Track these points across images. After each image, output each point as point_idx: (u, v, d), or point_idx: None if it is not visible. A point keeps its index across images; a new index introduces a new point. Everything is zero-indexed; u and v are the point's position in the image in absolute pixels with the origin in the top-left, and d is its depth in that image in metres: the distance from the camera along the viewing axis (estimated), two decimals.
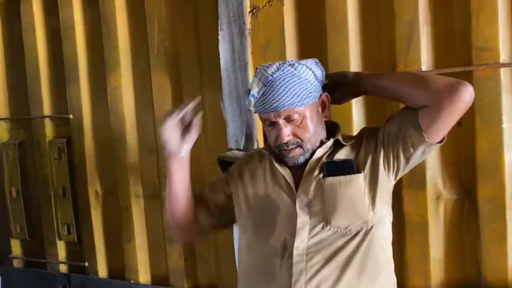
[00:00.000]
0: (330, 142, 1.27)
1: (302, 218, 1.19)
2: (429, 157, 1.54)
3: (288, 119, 1.19)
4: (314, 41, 1.67)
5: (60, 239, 2.31)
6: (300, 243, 1.17)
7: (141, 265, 2.10)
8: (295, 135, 1.21)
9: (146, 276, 2.11)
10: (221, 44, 1.73)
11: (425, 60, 1.54)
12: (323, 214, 1.18)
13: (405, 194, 1.59)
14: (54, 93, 2.27)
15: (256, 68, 1.23)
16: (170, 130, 1.26)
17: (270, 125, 1.22)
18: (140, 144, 2.04)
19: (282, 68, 1.18)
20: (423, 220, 1.57)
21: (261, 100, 1.19)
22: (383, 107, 1.58)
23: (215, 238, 1.92)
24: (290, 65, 1.19)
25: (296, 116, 1.19)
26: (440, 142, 1.18)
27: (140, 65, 2.01)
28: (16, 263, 2.47)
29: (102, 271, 2.22)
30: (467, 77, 1.48)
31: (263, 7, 1.69)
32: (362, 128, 1.38)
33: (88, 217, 2.20)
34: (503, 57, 1.45)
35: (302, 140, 1.22)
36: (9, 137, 2.43)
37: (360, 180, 1.20)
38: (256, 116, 1.73)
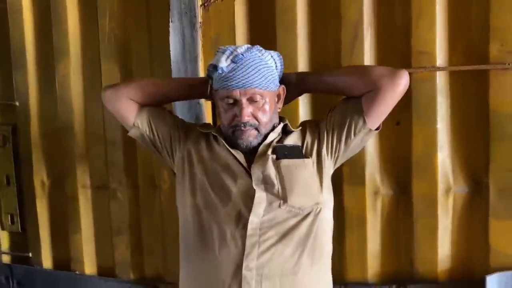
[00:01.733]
0: (280, 127, 1.34)
1: (259, 194, 1.23)
2: (368, 154, 1.61)
3: (251, 100, 1.24)
4: (264, 38, 1.69)
5: (3, 229, 2.23)
6: (255, 217, 1.21)
7: (87, 256, 2.07)
8: (254, 116, 1.26)
9: (92, 268, 2.08)
10: (171, 36, 1.73)
11: (368, 61, 1.60)
12: (279, 193, 1.23)
13: (345, 189, 1.65)
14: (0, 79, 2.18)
15: (219, 48, 1.28)
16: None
17: (230, 103, 1.25)
18: (88, 133, 2.01)
19: (251, 51, 1.24)
20: (361, 214, 1.64)
21: (228, 76, 1.23)
22: (327, 104, 1.63)
23: (162, 230, 1.92)
24: (257, 50, 1.26)
25: (259, 98, 1.25)
26: (377, 129, 1.28)
27: (90, 54, 1.97)
28: None
29: (47, 262, 2.17)
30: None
31: (215, 1, 1.71)
32: (303, 121, 1.44)
33: (33, 207, 2.14)
34: (439, 61, 1.54)
35: (259, 123, 1.27)
36: None
37: (310, 164, 1.28)
38: (206, 107, 1.75)
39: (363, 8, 1.57)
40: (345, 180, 1.64)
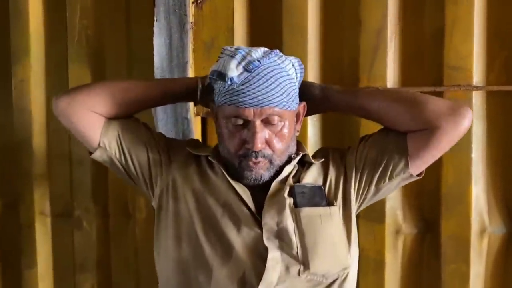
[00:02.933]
0: (298, 158, 1.03)
1: (274, 254, 0.93)
2: None
3: (267, 122, 0.94)
4: (267, 43, 1.38)
5: None
6: (266, 287, 0.92)
7: None
8: (269, 144, 0.96)
9: None
10: (156, 38, 1.44)
11: (390, 76, 1.37)
12: (299, 255, 0.93)
13: (361, 226, 1.38)
14: None
15: (224, 49, 0.97)
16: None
17: (239, 125, 0.95)
18: (49, 150, 1.69)
19: (270, 56, 0.95)
20: (379, 257, 1.40)
21: (239, 89, 0.92)
22: (342, 122, 1.40)
23: (136, 269, 1.62)
24: (277, 55, 0.97)
25: (276, 120, 0.94)
26: (419, 175, 1.02)
27: (55, 56, 1.66)
28: None
29: None
30: None
31: None
32: (322, 148, 1.17)
33: None
34: (476, 79, 1.31)
35: (274, 152, 0.97)
36: None
37: (337, 213, 0.99)
38: (196, 124, 1.46)
39: (387, 13, 1.34)
40: (361, 216, 1.38)
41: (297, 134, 1.06)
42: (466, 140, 1.31)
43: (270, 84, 0.93)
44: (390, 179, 1.02)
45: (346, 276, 0.98)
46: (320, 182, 1.03)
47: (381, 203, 1.37)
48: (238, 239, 0.94)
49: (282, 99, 0.94)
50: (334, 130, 1.42)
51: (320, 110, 1.14)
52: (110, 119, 1.06)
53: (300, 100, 1.03)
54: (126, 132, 1.06)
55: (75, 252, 1.69)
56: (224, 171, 1.00)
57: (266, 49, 0.98)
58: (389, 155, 1.00)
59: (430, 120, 0.96)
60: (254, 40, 1.46)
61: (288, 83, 0.96)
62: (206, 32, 1.44)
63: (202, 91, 1.08)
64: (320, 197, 0.99)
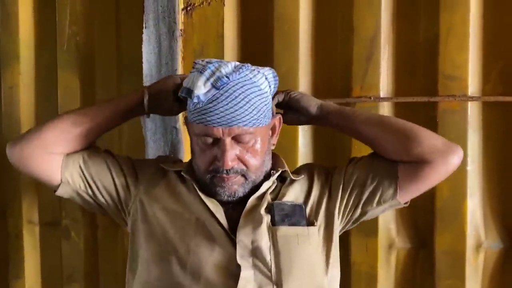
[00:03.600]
0: (276, 175, 1.00)
1: (245, 273, 0.90)
2: None
3: (237, 140, 0.91)
4: (259, 51, 1.40)
5: None
6: None
7: None
8: (241, 160, 0.93)
9: None
10: (145, 45, 1.41)
11: (384, 85, 1.32)
12: (272, 274, 0.90)
13: (353, 241, 1.35)
14: None
15: (195, 63, 0.94)
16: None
17: (208, 142, 0.92)
18: None
19: (241, 71, 0.92)
20: (372, 271, 1.35)
21: (207, 108, 0.89)
22: (334, 133, 1.35)
23: (125, 280, 1.57)
24: (249, 70, 0.94)
25: (248, 137, 0.92)
26: (406, 203, 1.04)
27: (45, 62, 1.63)
28: None
29: None
30: (431, 108, 1.28)
31: (200, 5, 1.40)
32: (308, 164, 1.14)
33: None
34: (471, 89, 1.27)
35: (247, 168, 0.94)
36: None
37: (316, 234, 0.96)
38: (185, 134, 1.42)
39: (381, 21, 1.30)
40: (353, 230, 1.33)
41: (273, 147, 1.04)
42: None
43: (239, 102, 0.89)
44: (378, 204, 1.01)
45: None
46: (301, 200, 1.01)
47: (374, 218, 1.32)
48: (211, 258, 0.91)
49: (252, 116, 0.91)
50: (326, 141, 1.37)
51: (315, 124, 1.11)
52: (68, 154, 1.03)
53: (286, 108, 1.01)
54: (88, 162, 1.04)
55: (63, 262, 1.65)
56: (196, 187, 0.97)
57: (237, 63, 0.96)
58: (378, 180, 0.99)
59: (423, 155, 0.95)
60: (244, 48, 1.42)
61: (260, 99, 0.93)
62: (196, 40, 1.41)
63: (151, 102, 1.05)
64: (300, 216, 0.96)
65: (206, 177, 0.95)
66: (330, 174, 1.05)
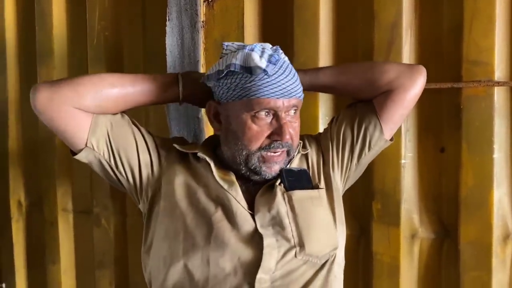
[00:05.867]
0: (300, 147, 1.09)
1: (268, 240, 0.92)
2: (405, 187, 1.30)
3: (289, 113, 0.97)
4: (279, 40, 1.35)
5: None
6: (265, 273, 0.91)
7: None
8: (290, 136, 0.98)
9: None
10: (168, 38, 1.44)
11: None
12: (294, 236, 0.93)
13: (374, 230, 1.33)
14: None
15: (226, 45, 1.00)
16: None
17: (262, 118, 0.95)
18: None
19: (278, 50, 1.00)
20: (394, 262, 1.32)
21: (269, 81, 0.93)
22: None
23: None
24: (277, 48, 1.01)
25: (297, 110, 0.99)
26: (391, 140, 1.10)
27: (77, 57, 1.71)
28: None
29: None
30: (455, 95, 1.24)
31: None
32: (303, 136, 1.13)
33: (8, 231, 1.87)
34: (498, 74, 1.22)
35: (292, 143, 0.99)
36: None
37: (325, 195, 1.01)
38: (207, 123, 1.45)
39: (402, 6, 1.27)
40: (375, 219, 1.32)
41: None
42: (487, 140, 1.23)
43: (293, 76, 0.97)
44: (369, 149, 1.06)
45: (335, 256, 0.98)
46: (304, 167, 1.05)
47: (396, 206, 1.30)
48: (233, 232, 0.93)
49: (300, 89, 0.98)
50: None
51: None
52: (98, 115, 0.98)
53: None
54: (116, 131, 1.00)
55: (95, 248, 1.72)
56: (213, 167, 1.00)
57: (266, 43, 1.02)
58: (364, 126, 1.05)
59: (390, 82, 1.02)
60: (265, 38, 1.42)
61: (297, 74, 1.00)
62: (217, 31, 1.43)
63: (185, 84, 1.05)
64: (306, 180, 1.01)
65: (255, 156, 0.96)
66: (318, 139, 1.10)
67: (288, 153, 0.99)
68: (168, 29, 1.44)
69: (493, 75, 1.21)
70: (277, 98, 0.93)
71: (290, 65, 0.99)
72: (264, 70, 0.93)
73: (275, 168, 0.98)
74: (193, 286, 0.93)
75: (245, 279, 0.91)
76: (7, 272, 1.90)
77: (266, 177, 0.99)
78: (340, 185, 1.07)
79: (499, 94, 1.22)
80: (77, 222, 1.76)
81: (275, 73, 0.94)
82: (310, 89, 1.08)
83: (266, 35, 1.43)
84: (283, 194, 0.97)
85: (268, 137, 0.95)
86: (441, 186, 1.29)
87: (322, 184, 1.03)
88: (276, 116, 0.95)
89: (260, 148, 0.96)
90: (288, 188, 0.98)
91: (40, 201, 1.81)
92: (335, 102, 1.37)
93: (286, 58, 1.01)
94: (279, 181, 1.00)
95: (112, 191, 1.66)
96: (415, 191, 1.31)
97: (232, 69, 0.94)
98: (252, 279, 0.90)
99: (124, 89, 0.99)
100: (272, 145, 0.95)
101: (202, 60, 1.43)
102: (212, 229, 0.94)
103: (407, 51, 1.28)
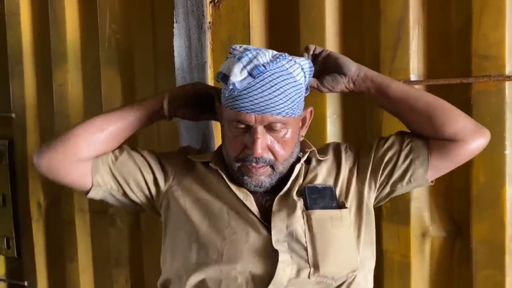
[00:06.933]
0: (306, 156, 1.02)
1: (283, 257, 0.91)
2: None
3: (269, 129, 0.92)
4: (285, 39, 1.40)
5: None
6: None
7: None
8: (271, 150, 0.94)
9: None
10: (176, 39, 1.46)
11: (414, 68, 1.27)
12: (309, 256, 0.92)
13: (384, 229, 1.32)
14: None
15: (233, 48, 0.94)
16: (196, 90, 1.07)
17: (240, 129, 0.93)
18: None
19: (278, 61, 0.91)
20: (404, 260, 1.31)
21: (241, 94, 0.90)
22: (363, 121, 1.33)
23: None
24: (286, 60, 0.93)
25: (279, 127, 0.92)
26: (432, 182, 1.04)
27: (90, 60, 1.74)
28: None
29: None
30: (465, 90, 1.22)
31: None
32: (335, 143, 1.11)
33: (29, 230, 1.93)
34: (508, 68, 1.19)
35: (276, 159, 0.94)
36: None
37: (348, 216, 0.96)
38: (216, 128, 1.46)
39: (409, 1, 1.25)
40: (385, 217, 1.31)
41: (301, 139, 1.04)
42: (498, 136, 1.20)
43: (274, 91, 0.90)
44: (407, 183, 1.01)
45: (354, 278, 0.96)
46: (330, 182, 1.01)
47: (406, 204, 1.29)
48: (246, 244, 0.93)
49: (285, 106, 0.91)
50: (355, 129, 1.35)
51: (348, 90, 1.06)
52: (97, 157, 1.04)
53: (323, 72, 1.03)
54: (117, 163, 1.05)
55: (110, 247, 1.75)
56: (225, 177, 1.00)
57: (274, 52, 0.95)
58: (410, 159, 0.99)
59: (456, 133, 0.97)
60: (271, 37, 1.43)
61: (294, 90, 0.93)
62: (224, 32, 1.44)
63: (170, 107, 1.07)
64: (330, 198, 0.97)
65: (235, 165, 0.97)
66: (357, 154, 1.05)
67: (272, 167, 0.96)
68: (175, 31, 1.46)
69: (504, 69, 1.18)
70: (247, 112, 0.90)
71: (280, 79, 0.91)
72: (233, 84, 0.89)
73: (260, 179, 0.96)
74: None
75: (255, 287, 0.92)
76: (29, 270, 1.95)
77: (252, 189, 0.98)
78: (370, 206, 1.03)
79: (510, 89, 1.19)
80: (93, 221, 1.80)
81: (250, 87, 0.90)
82: (373, 94, 1.03)
83: (272, 35, 1.43)
84: (302, 212, 0.95)
85: (244, 148, 0.95)
86: (452, 183, 1.27)
87: (350, 202, 0.99)
88: (249, 129, 0.93)
89: (238, 159, 0.96)
90: (309, 206, 0.96)
91: (58, 201, 1.86)
92: (343, 101, 1.36)
93: (285, 69, 0.92)
94: (295, 191, 0.98)
95: None
96: (425, 188, 1.29)
97: (216, 77, 0.95)
98: None
99: (113, 127, 1.03)
100: (247, 158, 0.94)
101: (209, 61, 1.44)
102: (225, 242, 0.94)
103: (415, 47, 1.26)
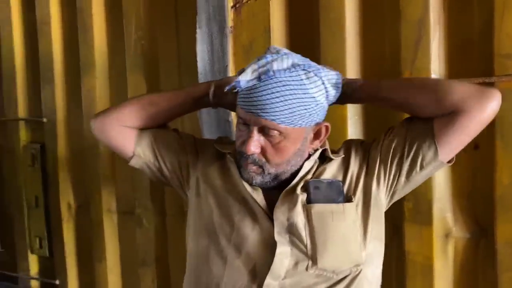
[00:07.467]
0: (317, 154, 1.03)
1: (282, 248, 0.95)
2: (437, 185, 1.27)
3: (265, 132, 0.95)
4: (305, 42, 1.42)
5: (32, 252, 2.12)
6: (273, 279, 0.94)
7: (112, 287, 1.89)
8: (263, 153, 0.97)
9: None
10: (199, 44, 1.50)
11: (435, 68, 1.26)
12: (308, 249, 0.94)
13: (407, 229, 1.31)
14: (30, 94, 2.08)
15: (268, 48, 0.98)
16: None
17: (243, 124, 0.97)
18: (114, 154, 1.82)
19: (293, 71, 0.93)
20: (427, 262, 1.29)
21: (245, 93, 0.94)
22: (385, 121, 1.32)
23: None
24: (304, 70, 0.94)
25: (275, 133, 0.94)
26: (449, 162, 1.00)
27: (117, 66, 1.80)
28: None
29: None
30: None
31: (247, 1, 1.45)
32: (347, 141, 1.13)
33: (60, 231, 2.01)
34: None
35: (267, 162, 0.97)
36: None
37: (352, 210, 0.97)
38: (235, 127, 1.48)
39: (429, 1, 1.24)
40: (407, 218, 1.31)
41: (311, 151, 1.05)
42: None
43: (274, 98, 0.91)
44: (421, 169, 0.99)
45: (359, 273, 0.96)
46: (339, 177, 1.02)
47: (428, 205, 1.28)
48: (252, 234, 0.97)
49: (283, 115, 0.92)
50: (376, 130, 1.35)
51: (346, 103, 1.09)
52: (142, 129, 1.16)
53: None
54: (158, 140, 1.15)
55: (137, 247, 1.80)
56: (238, 171, 1.03)
57: (297, 62, 0.95)
58: (417, 144, 0.97)
59: (455, 103, 0.92)
60: (292, 41, 1.45)
61: (300, 102, 0.93)
62: (245, 36, 1.46)
63: (215, 95, 1.12)
64: (337, 193, 0.98)
65: (237, 156, 1.02)
66: (367, 149, 1.05)
67: (263, 169, 0.98)
68: (198, 36, 1.50)
69: None
70: (246, 111, 0.95)
71: (285, 88, 0.92)
72: (237, 82, 0.94)
73: (251, 175, 0.99)
74: (210, 280, 1.00)
75: (255, 280, 0.95)
76: (60, 269, 2.03)
77: (251, 183, 1.00)
78: (383, 201, 1.02)
79: None
80: (121, 222, 1.86)
81: (253, 89, 0.93)
82: (369, 101, 1.06)
83: (293, 38, 1.45)
84: (303, 206, 0.97)
85: (242, 144, 0.98)
86: (475, 184, 1.26)
87: (358, 197, 1.00)
88: (248, 127, 0.97)
89: (238, 152, 1.01)
90: (311, 200, 0.97)
91: (87, 203, 1.92)
92: None
93: (299, 81, 0.93)
94: (300, 186, 1.00)
95: (152, 192, 1.74)
96: (448, 189, 1.28)
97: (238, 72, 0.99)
98: (261, 282, 0.94)
99: (162, 105, 1.14)
100: (242, 153, 0.98)
101: (231, 65, 1.47)
102: (233, 229, 0.98)
103: (436, 48, 1.25)
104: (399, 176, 1.00)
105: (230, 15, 1.46)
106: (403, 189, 1.04)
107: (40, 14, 1.96)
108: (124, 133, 1.14)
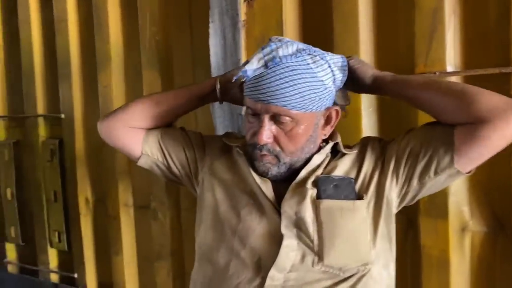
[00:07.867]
0: (328, 147, 1.02)
1: (288, 241, 0.94)
2: None
3: (276, 120, 0.94)
4: (319, 34, 1.41)
5: (51, 246, 2.16)
6: (278, 271, 0.93)
7: (129, 281, 1.91)
8: (277, 141, 0.96)
9: None
10: (211, 38, 1.50)
11: (451, 59, 1.24)
12: (314, 245, 0.93)
13: (422, 223, 1.29)
14: (49, 90, 2.12)
15: (269, 39, 0.98)
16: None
17: (253, 115, 0.96)
18: None
19: (299, 55, 0.93)
20: (443, 256, 1.27)
21: (253, 82, 0.93)
22: (399, 114, 1.31)
23: None
24: (309, 54, 0.94)
25: (287, 119, 0.94)
26: (469, 172, 0.95)
27: (133, 62, 1.82)
28: (11, 268, 2.36)
29: (91, 284, 2.05)
30: (504, 81, 1.18)
31: None
32: (365, 137, 1.11)
33: (77, 225, 2.04)
34: None
35: (282, 150, 0.96)
36: (6, 136, 2.31)
37: (363, 208, 0.95)
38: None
39: None
40: (422, 212, 1.29)
41: (324, 137, 1.04)
42: None
43: (283, 83, 0.91)
44: (435, 174, 0.95)
45: (368, 271, 0.94)
46: (352, 174, 1.00)
47: (443, 198, 1.26)
48: (258, 226, 0.96)
49: (292, 100, 0.91)
50: (391, 122, 1.34)
51: (367, 93, 1.11)
52: (149, 129, 1.16)
53: (349, 86, 1.03)
54: (165, 138, 1.16)
55: (153, 241, 1.82)
56: (248, 164, 1.03)
57: (302, 47, 0.95)
58: (433, 149, 0.93)
59: (480, 113, 0.86)
60: (304, 33, 1.44)
61: (309, 86, 0.92)
62: (257, 29, 1.46)
63: (222, 90, 1.12)
64: (348, 190, 0.96)
65: (249, 150, 1.01)
66: (385, 147, 1.03)
67: (278, 159, 0.97)
68: (211, 30, 1.50)
69: None
70: (255, 100, 0.94)
71: (294, 73, 0.91)
72: (244, 71, 0.94)
73: (267, 166, 0.98)
74: (215, 270, 1.00)
75: (259, 272, 0.94)
76: (78, 263, 2.06)
77: (267, 175, 0.99)
78: (395, 201, 0.99)
79: None
80: (137, 216, 1.88)
81: (261, 77, 0.92)
82: (395, 96, 1.03)
83: (306, 30, 1.44)
84: (312, 201, 0.95)
85: (254, 135, 0.97)
86: (492, 177, 1.23)
87: (370, 195, 0.97)
88: (259, 117, 0.95)
89: (250, 145, 0.99)
90: (320, 195, 0.96)
91: (104, 197, 1.96)
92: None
93: (305, 65, 0.93)
94: (311, 181, 0.98)
95: (167, 187, 1.76)
96: (464, 182, 1.25)
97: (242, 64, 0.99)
98: (266, 274, 0.93)
99: (168, 104, 1.15)
100: (255, 144, 0.97)
101: (243, 59, 1.47)
102: (239, 221, 0.98)
103: (451, 38, 1.23)
104: (411, 178, 0.97)
105: (242, 8, 1.46)
106: (418, 193, 1.00)
107: (57, 11, 2.00)
108: (131, 134, 1.14)
